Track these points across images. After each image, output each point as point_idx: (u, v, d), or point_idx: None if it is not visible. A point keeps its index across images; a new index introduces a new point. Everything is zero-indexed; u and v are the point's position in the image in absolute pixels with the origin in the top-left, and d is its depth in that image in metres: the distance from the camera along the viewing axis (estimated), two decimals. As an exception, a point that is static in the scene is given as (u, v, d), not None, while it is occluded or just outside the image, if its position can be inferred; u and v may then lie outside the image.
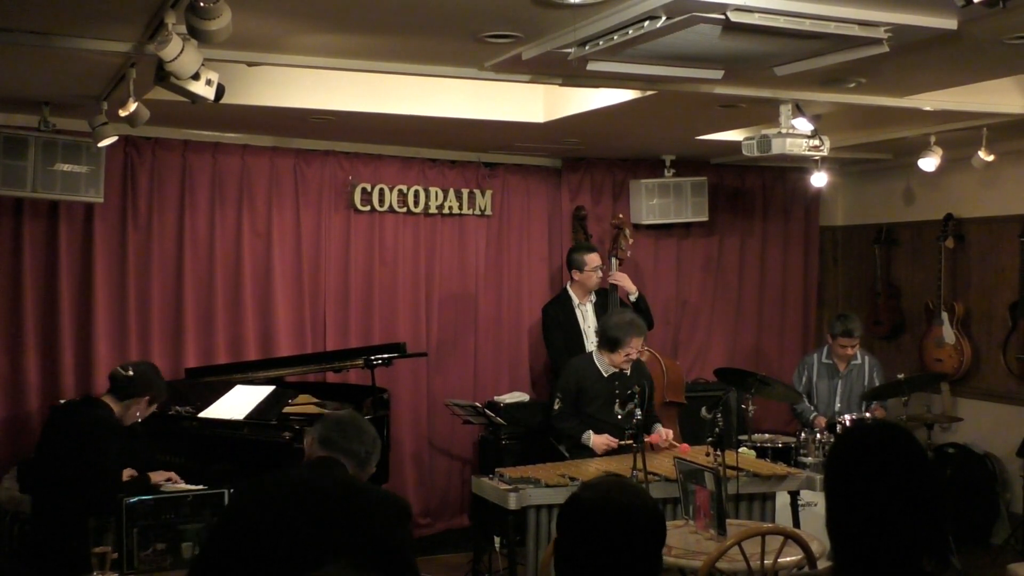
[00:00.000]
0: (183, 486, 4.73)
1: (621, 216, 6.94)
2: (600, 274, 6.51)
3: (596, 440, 5.41)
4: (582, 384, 5.58)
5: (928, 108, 5.36)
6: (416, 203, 6.94)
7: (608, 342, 5.55)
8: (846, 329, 6.44)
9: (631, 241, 6.86)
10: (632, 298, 6.58)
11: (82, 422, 4.43)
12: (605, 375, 5.57)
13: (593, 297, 6.56)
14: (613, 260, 6.77)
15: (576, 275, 6.49)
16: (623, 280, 6.63)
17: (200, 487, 4.50)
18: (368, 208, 6.82)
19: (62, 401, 5.55)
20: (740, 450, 5.33)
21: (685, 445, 5.52)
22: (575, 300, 6.53)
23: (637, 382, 5.19)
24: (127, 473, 4.69)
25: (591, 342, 6.34)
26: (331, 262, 6.76)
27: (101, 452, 4.33)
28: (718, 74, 4.24)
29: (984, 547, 6.59)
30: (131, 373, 4.53)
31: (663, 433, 5.52)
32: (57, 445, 4.46)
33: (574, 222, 7.26)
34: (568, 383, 5.63)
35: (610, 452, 5.38)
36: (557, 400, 5.63)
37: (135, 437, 5.26)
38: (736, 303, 7.91)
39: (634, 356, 5.52)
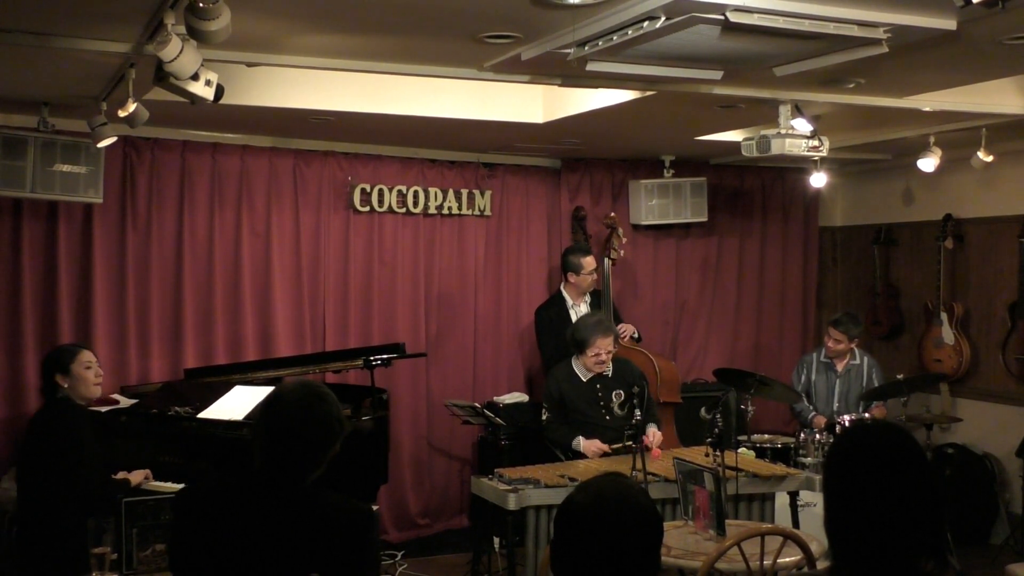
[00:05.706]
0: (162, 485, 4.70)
1: (613, 215, 6.94)
2: (595, 276, 6.51)
3: (587, 445, 5.41)
4: (563, 392, 5.57)
5: (927, 108, 5.36)
6: (415, 203, 6.93)
7: (576, 344, 5.55)
8: (837, 320, 6.48)
9: (624, 240, 6.87)
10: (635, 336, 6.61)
11: (47, 419, 4.35)
12: (584, 380, 5.56)
13: (588, 298, 6.56)
14: (606, 260, 6.77)
15: (572, 277, 6.48)
16: (628, 329, 6.58)
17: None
18: (367, 208, 6.81)
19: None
20: (739, 450, 5.33)
21: (656, 451, 5.22)
22: (569, 301, 6.53)
23: (634, 383, 5.18)
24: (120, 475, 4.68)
25: None
26: (330, 262, 6.75)
27: (71, 445, 4.26)
28: (717, 75, 4.24)
29: (983, 547, 6.60)
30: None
31: (650, 435, 5.36)
32: (31, 448, 4.41)
33: (573, 223, 7.25)
34: (551, 392, 5.64)
35: (604, 455, 5.37)
36: (544, 410, 5.66)
37: (128, 437, 5.27)
38: (735, 303, 7.90)
39: (603, 356, 5.48)
